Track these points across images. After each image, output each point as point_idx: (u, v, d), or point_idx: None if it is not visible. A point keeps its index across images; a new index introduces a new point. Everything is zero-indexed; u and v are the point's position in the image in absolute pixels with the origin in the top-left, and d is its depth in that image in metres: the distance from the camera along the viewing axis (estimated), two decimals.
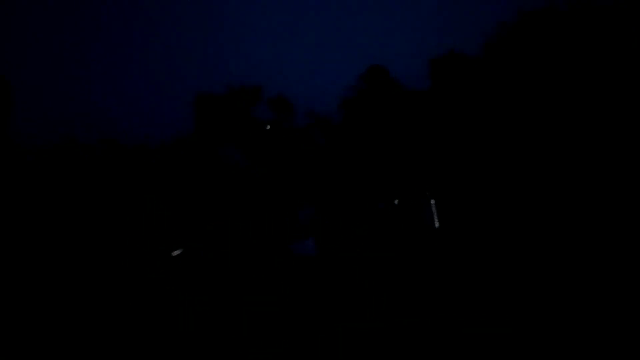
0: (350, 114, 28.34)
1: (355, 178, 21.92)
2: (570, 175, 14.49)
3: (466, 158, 19.16)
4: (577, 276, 4.12)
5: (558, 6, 21.05)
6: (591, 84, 18.59)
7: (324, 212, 7.65)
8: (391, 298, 4.36)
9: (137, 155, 26.08)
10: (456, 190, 15.11)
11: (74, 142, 25.07)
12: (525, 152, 18.12)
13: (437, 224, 5.71)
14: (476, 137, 19.96)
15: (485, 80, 22.78)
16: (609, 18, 19.05)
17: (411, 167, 20.43)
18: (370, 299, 4.33)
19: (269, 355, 3.31)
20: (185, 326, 3.59)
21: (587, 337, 2.87)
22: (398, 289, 4.61)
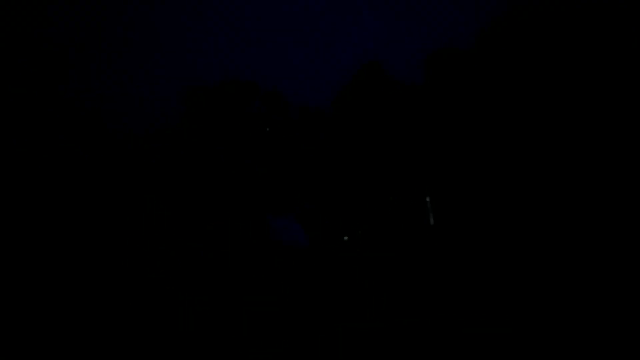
0: (344, 110, 28.35)
1: (349, 174, 21.96)
2: (569, 170, 14.57)
3: (462, 154, 19.24)
4: (577, 274, 4.12)
5: None
6: (587, 76, 18.71)
7: (320, 207, 7.67)
8: (390, 297, 4.36)
9: (129, 146, 25.89)
10: (452, 187, 15.16)
11: (66, 130, 24.83)
12: (522, 147, 18.22)
13: (432, 221, 5.75)
14: (471, 131, 20.04)
15: (479, 74, 22.85)
16: (602, 8, 19.14)
17: (406, 164, 20.49)
18: (370, 298, 4.33)
19: (269, 356, 3.30)
20: (184, 326, 3.55)
21: (587, 336, 2.87)
22: (397, 287, 4.61)
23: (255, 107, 28.92)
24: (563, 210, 8.64)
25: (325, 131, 29.88)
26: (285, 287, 3.38)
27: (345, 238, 8.31)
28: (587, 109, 18.43)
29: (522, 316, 3.40)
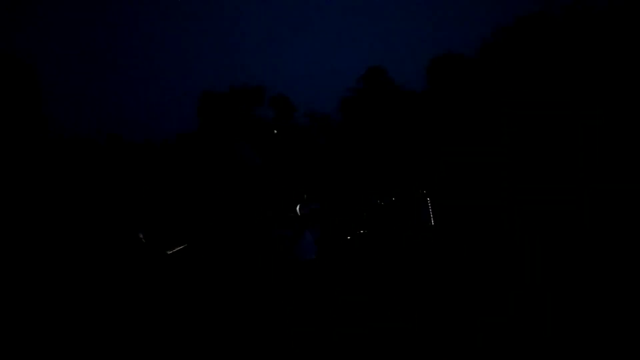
0: (349, 114, 28.66)
1: (354, 175, 22.32)
2: (565, 175, 14.83)
3: (462, 157, 19.53)
4: (577, 274, 4.24)
5: (553, 11, 21.44)
6: (585, 87, 19.00)
7: (326, 208, 8.05)
8: (391, 299, 4.53)
9: (143, 151, 26.33)
10: (452, 189, 15.51)
11: (81, 139, 25.39)
12: (521, 153, 18.48)
13: (432, 222, 6.09)
14: (472, 137, 20.33)
15: (481, 82, 23.13)
16: (602, 23, 19.43)
17: (408, 165, 20.82)
18: (371, 300, 4.51)
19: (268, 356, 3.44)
20: (186, 328, 3.71)
21: (588, 337, 3.05)
22: (398, 289, 4.77)
23: (264, 111, 29.28)
24: (560, 212, 8.91)
25: (331, 133, 30.23)
26: (285, 287, 3.52)
27: (349, 237, 8.68)
28: (586, 117, 18.68)
29: (525, 315, 3.59)
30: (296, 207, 6.22)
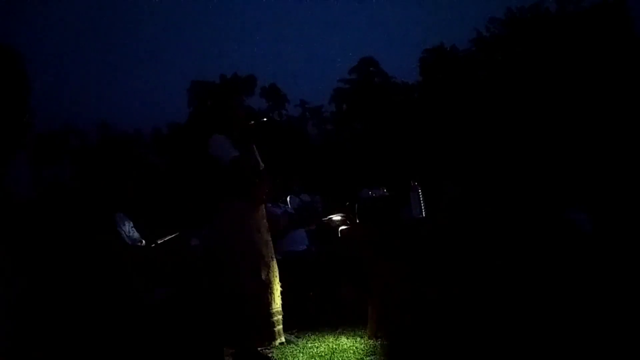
0: (341, 105, 28.57)
1: (347, 166, 22.27)
2: (559, 169, 14.86)
3: (454, 150, 19.53)
4: (575, 277, 4.17)
5: (547, 6, 21.50)
6: (578, 81, 19.04)
7: (317, 199, 7.95)
8: (387, 294, 4.44)
9: (132, 142, 26.11)
10: (445, 181, 15.43)
11: (70, 129, 25.11)
12: (513, 146, 18.50)
13: (424, 214, 6.01)
14: (465, 130, 20.33)
15: (474, 73, 23.13)
16: (594, 18, 19.46)
17: (401, 156, 20.79)
18: (367, 295, 4.41)
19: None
20: (182, 326, 3.59)
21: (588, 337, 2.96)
22: (393, 284, 4.68)
23: (255, 101, 29.03)
24: (553, 209, 8.86)
25: (323, 124, 30.10)
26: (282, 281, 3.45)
27: (341, 229, 8.58)
28: (581, 110, 18.71)
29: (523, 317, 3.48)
30: (286, 198, 6.12)
